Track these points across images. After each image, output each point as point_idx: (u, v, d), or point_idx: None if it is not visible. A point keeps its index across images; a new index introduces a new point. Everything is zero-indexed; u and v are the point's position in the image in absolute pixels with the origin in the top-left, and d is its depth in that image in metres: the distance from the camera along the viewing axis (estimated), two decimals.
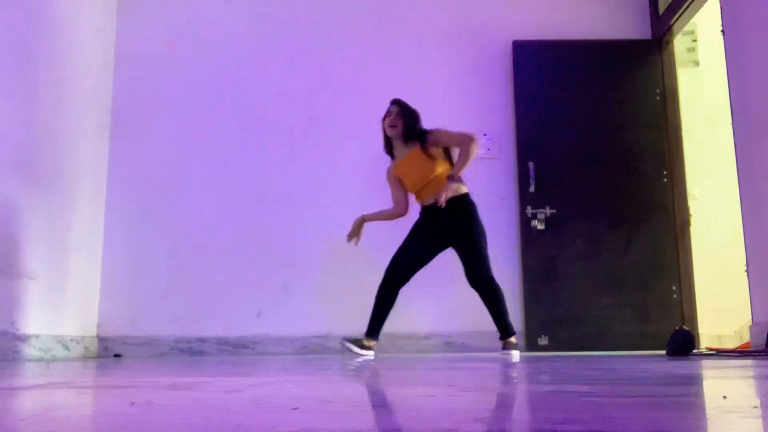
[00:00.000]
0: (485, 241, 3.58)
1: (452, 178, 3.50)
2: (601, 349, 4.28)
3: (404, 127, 3.69)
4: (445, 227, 3.60)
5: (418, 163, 3.61)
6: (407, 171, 3.67)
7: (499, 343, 3.59)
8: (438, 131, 3.64)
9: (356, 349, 3.59)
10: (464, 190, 3.60)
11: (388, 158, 3.84)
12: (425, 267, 3.70)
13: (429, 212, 3.66)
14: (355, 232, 3.80)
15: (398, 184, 3.80)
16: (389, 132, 3.73)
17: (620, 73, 4.66)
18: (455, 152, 3.62)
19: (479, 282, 3.55)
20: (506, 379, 1.59)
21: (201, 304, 4.51)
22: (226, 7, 4.90)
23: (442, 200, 3.44)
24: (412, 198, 3.82)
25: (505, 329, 3.56)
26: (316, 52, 4.82)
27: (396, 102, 3.77)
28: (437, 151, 3.62)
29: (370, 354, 3.60)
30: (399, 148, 3.75)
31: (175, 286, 4.53)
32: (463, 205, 3.57)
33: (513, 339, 3.56)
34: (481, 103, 4.73)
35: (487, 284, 3.55)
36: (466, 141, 3.52)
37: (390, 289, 3.63)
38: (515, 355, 3.44)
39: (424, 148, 3.60)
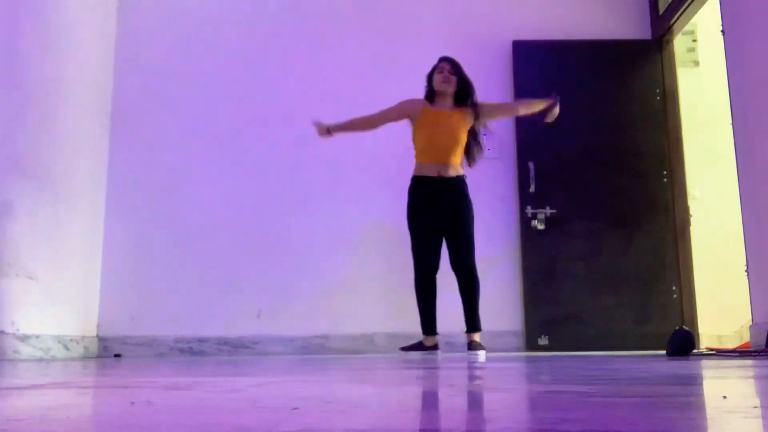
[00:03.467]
0: (474, 226, 3.59)
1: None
2: (601, 349, 4.28)
3: (458, 83, 3.65)
4: (442, 204, 3.54)
5: (459, 125, 3.59)
6: (444, 123, 3.59)
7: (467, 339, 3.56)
8: (489, 104, 3.76)
9: (419, 355, 3.53)
10: (463, 171, 3.63)
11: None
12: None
13: (426, 185, 3.56)
14: (321, 133, 3.70)
15: (401, 117, 3.70)
16: (443, 87, 3.63)
17: (620, 73, 4.66)
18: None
19: (465, 267, 3.52)
20: (506, 380, 1.59)
21: (201, 304, 4.50)
22: (226, 7, 4.90)
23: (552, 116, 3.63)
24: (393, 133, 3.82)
25: (476, 323, 3.54)
26: (316, 51, 4.82)
27: (448, 59, 3.70)
28: (472, 130, 3.66)
29: (435, 352, 3.55)
30: (443, 102, 3.67)
31: (175, 286, 4.52)
32: (463, 186, 3.59)
33: (478, 336, 3.53)
34: None
35: (471, 271, 3.53)
36: (523, 102, 3.91)
37: (426, 280, 3.57)
38: (482, 355, 3.37)
39: (477, 119, 3.64)
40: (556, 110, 3.68)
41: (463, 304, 3.57)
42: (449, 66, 3.66)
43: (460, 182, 3.59)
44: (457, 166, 3.60)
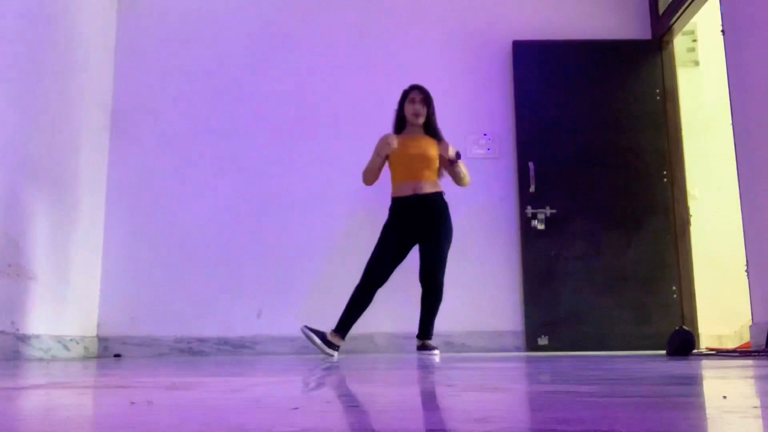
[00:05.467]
0: (450, 244, 3.70)
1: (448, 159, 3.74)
2: (601, 349, 4.28)
3: (428, 116, 3.80)
4: (419, 221, 3.67)
5: (430, 145, 3.75)
6: (417, 144, 3.74)
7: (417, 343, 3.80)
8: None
9: (318, 341, 3.57)
10: (441, 188, 3.77)
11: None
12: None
13: (404, 204, 3.69)
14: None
15: (384, 158, 3.80)
16: (414, 119, 3.78)
17: (620, 73, 4.66)
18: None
19: (433, 283, 3.66)
20: (506, 380, 1.59)
21: (201, 304, 4.51)
22: (226, 8, 4.90)
23: (452, 153, 3.70)
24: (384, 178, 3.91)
25: (429, 331, 3.73)
26: (316, 53, 4.82)
27: (420, 89, 3.83)
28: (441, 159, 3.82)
29: (333, 353, 3.57)
30: (412, 130, 3.82)
31: (175, 286, 4.52)
32: (441, 202, 3.71)
33: (431, 342, 3.74)
34: (482, 103, 4.73)
35: (437, 287, 3.67)
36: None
37: (369, 291, 3.64)
38: (437, 355, 3.55)
39: (439, 144, 3.78)
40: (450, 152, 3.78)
41: (421, 314, 3.74)
42: (421, 97, 3.80)
43: (438, 199, 3.71)
44: (434, 182, 3.74)
